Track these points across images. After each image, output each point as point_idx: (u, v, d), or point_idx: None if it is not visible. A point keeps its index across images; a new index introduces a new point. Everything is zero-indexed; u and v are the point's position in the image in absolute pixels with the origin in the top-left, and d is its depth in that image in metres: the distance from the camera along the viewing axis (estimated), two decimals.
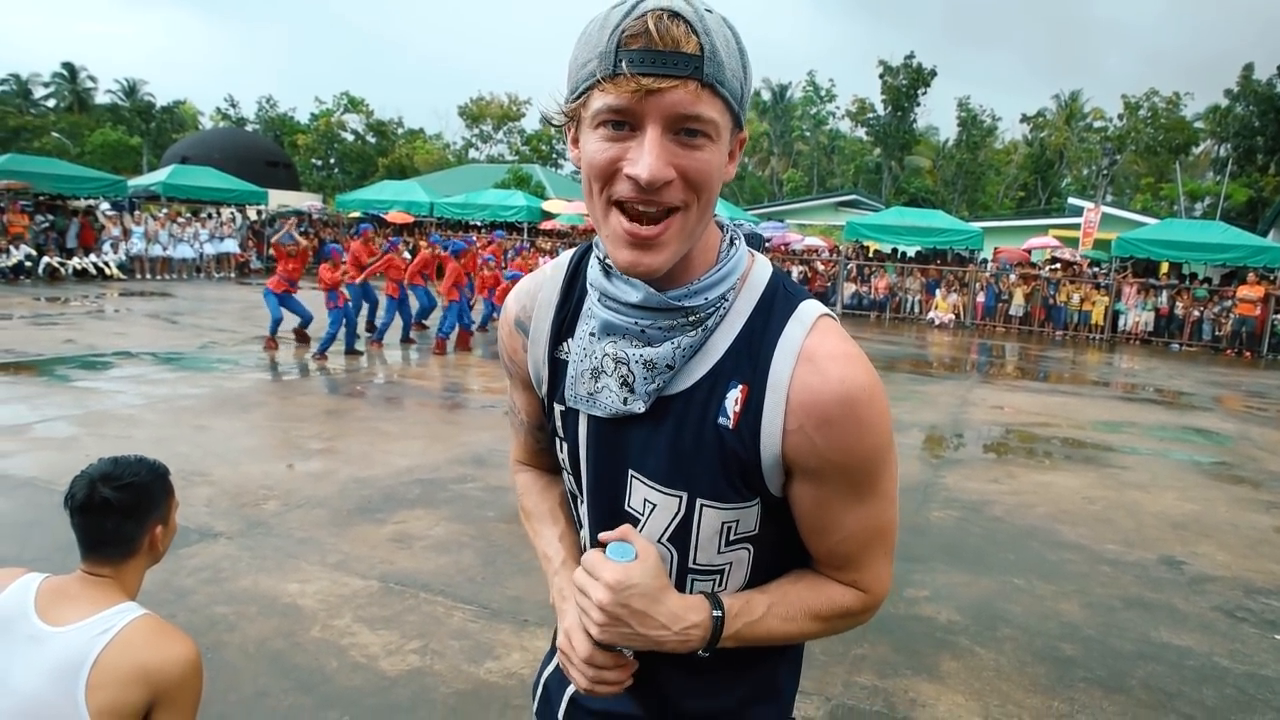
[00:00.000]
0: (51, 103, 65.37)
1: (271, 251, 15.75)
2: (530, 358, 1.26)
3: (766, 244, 25.73)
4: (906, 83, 55.54)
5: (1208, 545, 5.78)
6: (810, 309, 1.11)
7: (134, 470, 1.93)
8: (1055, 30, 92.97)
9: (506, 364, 1.33)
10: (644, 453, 1.13)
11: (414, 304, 13.48)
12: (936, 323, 21.82)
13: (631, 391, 1.11)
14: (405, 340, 12.72)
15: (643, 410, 1.11)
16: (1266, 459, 8.68)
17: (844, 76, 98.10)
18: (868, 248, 25.44)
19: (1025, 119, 58.02)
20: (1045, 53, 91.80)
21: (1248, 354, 19.20)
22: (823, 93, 60.69)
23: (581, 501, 1.25)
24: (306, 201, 34.16)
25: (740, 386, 1.08)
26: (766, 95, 63.10)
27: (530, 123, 64.72)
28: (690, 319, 1.09)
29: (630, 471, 1.15)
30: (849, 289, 23.81)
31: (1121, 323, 20.87)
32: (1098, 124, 56.06)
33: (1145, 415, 10.83)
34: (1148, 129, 53.16)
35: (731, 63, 0.99)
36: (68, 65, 65.16)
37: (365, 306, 13.02)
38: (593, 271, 1.15)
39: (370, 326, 12.89)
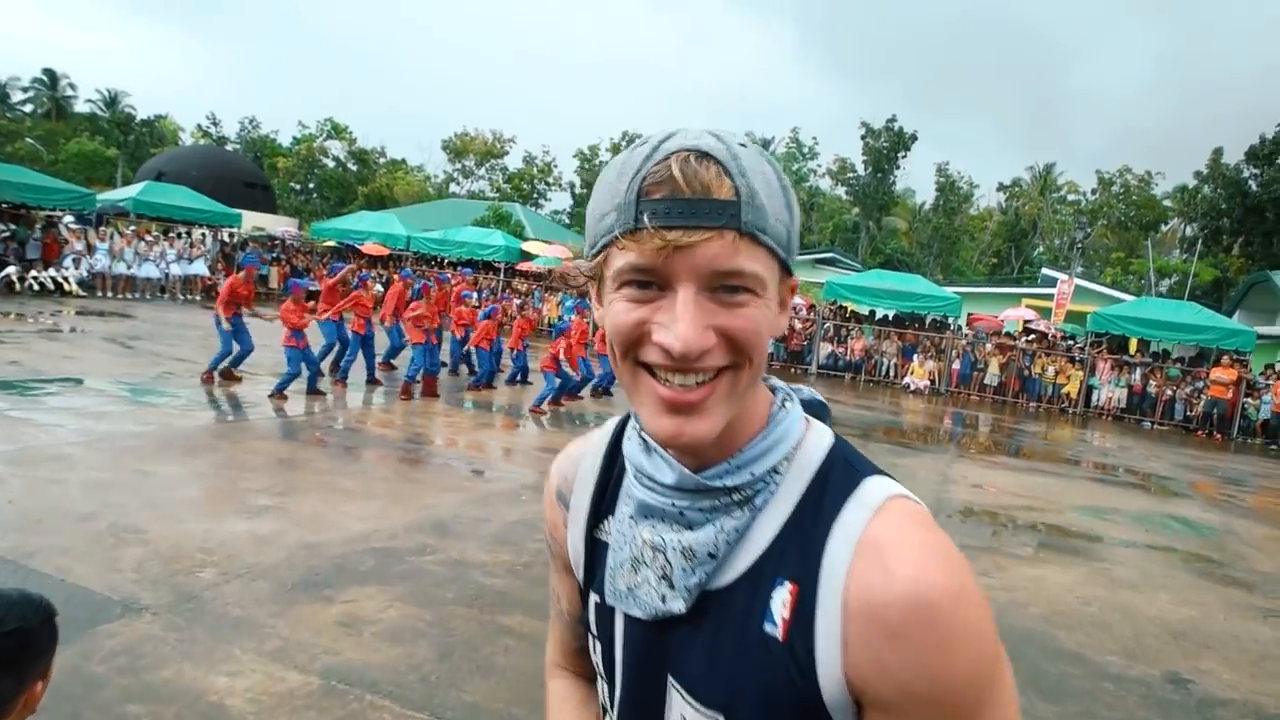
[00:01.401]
0: (29, 108, 64.48)
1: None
2: (569, 536, 1.09)
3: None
4: (888, 145, 56.32)
5: (1211, 660, 5.45)
6: (877, 488, 0.88)
7: (19, 612, 1.51)
8: (1031, 102, 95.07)
9: (548, 541, 1.16)
10: (683, 659, 0.93)
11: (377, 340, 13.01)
12: (912, 388, 21.66)
13: (671, 586, 0.91)
14: (370, 381, 12.21)
15: (683, 610, 0.91)
16: (1254, 557, 8.43)
17: (825, 134, 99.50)
18: (845, 308, 25.35)
19: (1002, 187, 58.95)
20: (1021, 124, 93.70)
21: (1218, 436, 19.20)
22: (805, 150, 61.30)
23: (610, 717, 1.04)
24: (282, 226, 33.65)
25: (789, 585, 0.86)
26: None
27: (513, 160, 64.78)
28: (734, 497, 0.89)
29: (670, 680, 0.94)
30: (825, 349, 23.64)
31: (1095, 397, 20.84)
32: (1071, 197, 57.07)
33: (1127, 501, 10.58)
34: (1119, 205, 54.19)
35: (774, 204, 0.84)
36: (49, 71, 64.44)
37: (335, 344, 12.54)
38: (629, 444, 0.98)
39: (334, 366, 12.41)
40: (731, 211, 0.80)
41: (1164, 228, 54.92)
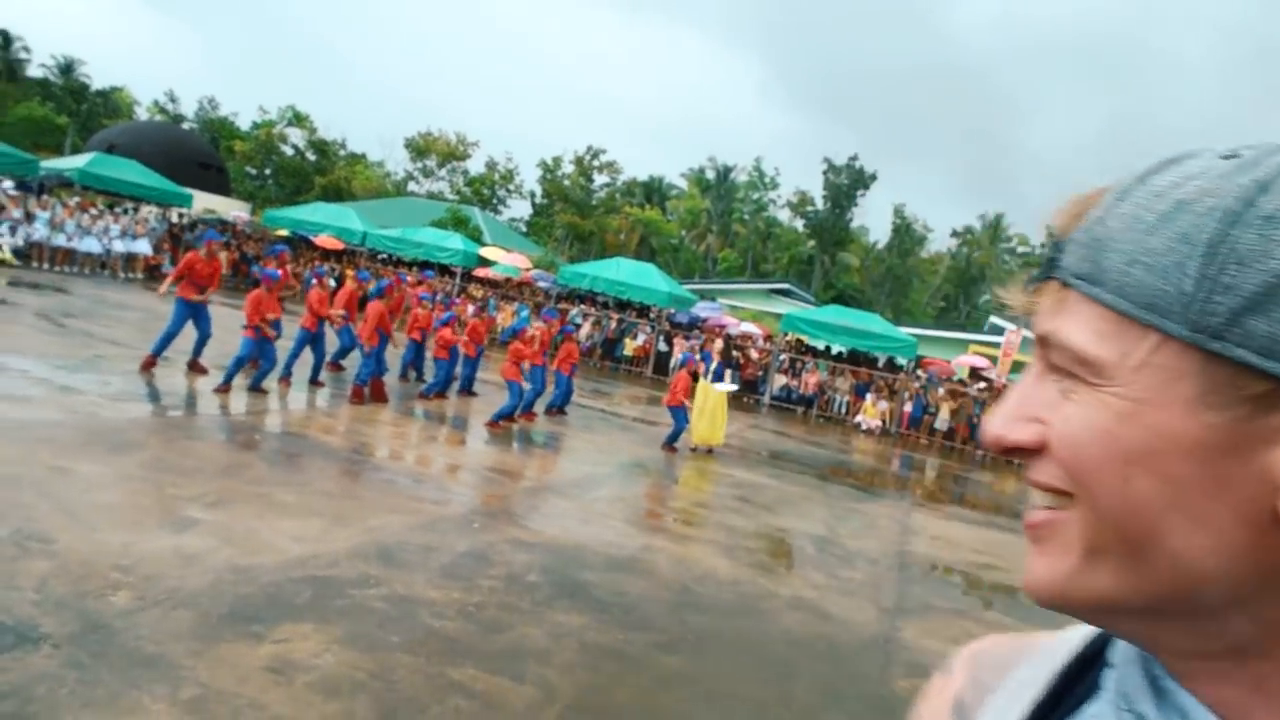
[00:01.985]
0: None
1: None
2: None
3: (700, 323, 25.33)
4: (848, 182, 57.00)
5: None
6: None
7: None
8: (984, 153, 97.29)
9: None
10: None
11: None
12: (864, 427, 21.55)
13: None
14: (314, 381, 11.57)
15: None
16: None
17: (786, 166, 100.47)
18: (801, 340, 25.25)
19: (955, 234, 59.92)
20: (974, 173, 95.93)
21: None
22: (767, 180, 61.66)
23: None
24: (234, 210, 32.62)
25: None
26: (711, 174, 63.91)
27: (475, 165, 64.08)
28: None
29: None
30: (779, 380, 23.47)
31: None
32: (1021, 249, 58.20)
33: None
34: None
35: (1146, 238, 0.49)
36: (2, 32, 62.19)
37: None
38: (1122, 670, 0.58)
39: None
40: (1056, 251, 0.55)
41: None
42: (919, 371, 23.76)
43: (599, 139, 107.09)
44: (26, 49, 62.90)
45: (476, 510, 7.24)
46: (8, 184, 21.95)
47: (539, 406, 12.87)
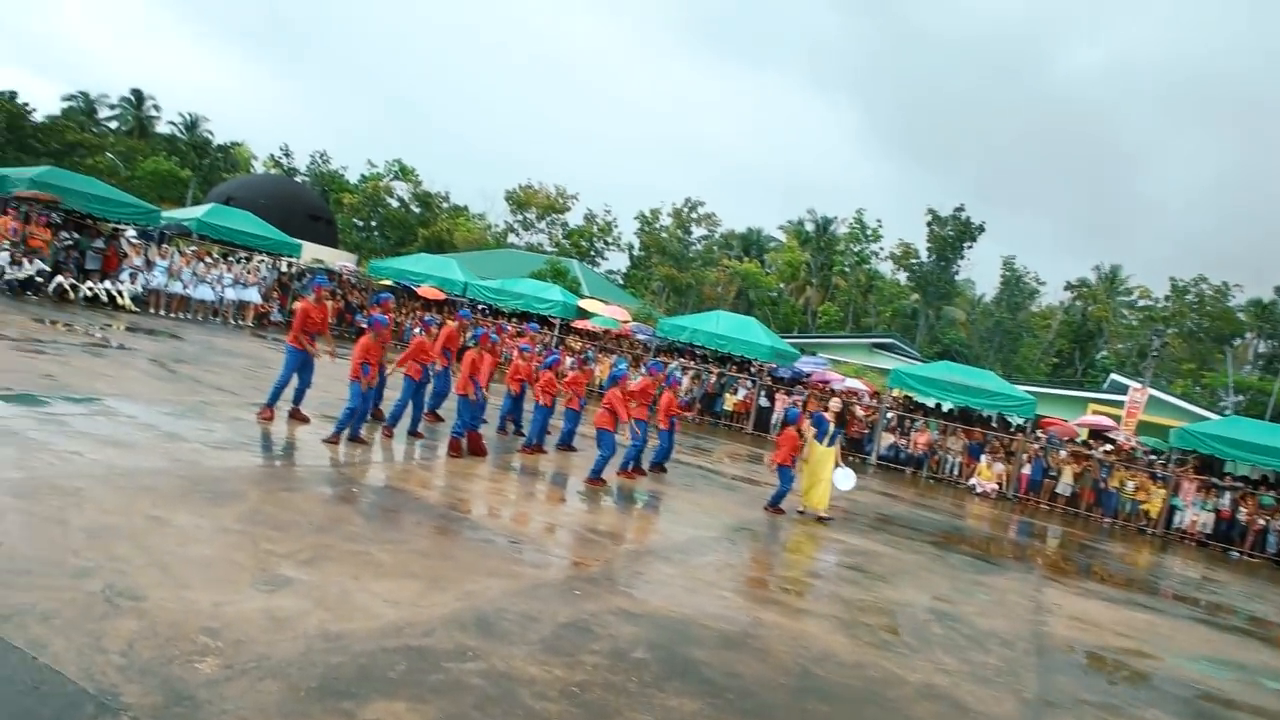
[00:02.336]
0: (114, 125, 66.45)
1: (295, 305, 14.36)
2: None
3: (804, 379, 24.61)
4: (954, 233, 55.46)
5: None
6: None
7: None
8: (1096, 203, 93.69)
9: None
10: None
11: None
12: (978, 490, 20.39)
13: None
14: (413, 433, 11.40)
15: None
16: None
17: (888, 218, 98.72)
18: (909, 398, 24.26)
19: (1069, 286, 57.58)
20: (1084, 223, 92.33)
21: None
22: (869, 231, 60.58)
23: None
24: (340, 261, 33.57)
25: None
26: (810, 226, 63.22)
27: (574, 217, 64.94)
28: None
29: None
30: (886, 439, 22.52)
31: (1177, 519, 19.38)
32: (1142, 302, 55.48)
33: (1246, 653, 9.33)
34: (1192, 314, 52.49)
35: None
36: (136, 91, 66.70)
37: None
38: None
39: (378, 413, 11.65)
40: None
41: (1238, 342, 53.09)
42: (1038, 432, 22.46)
43: (696, 190, 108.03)
44: (157, 107, 67.15)
45: (578, 576, 6.80)
46: (131, 232, 22.97)
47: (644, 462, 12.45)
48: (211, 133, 67.65)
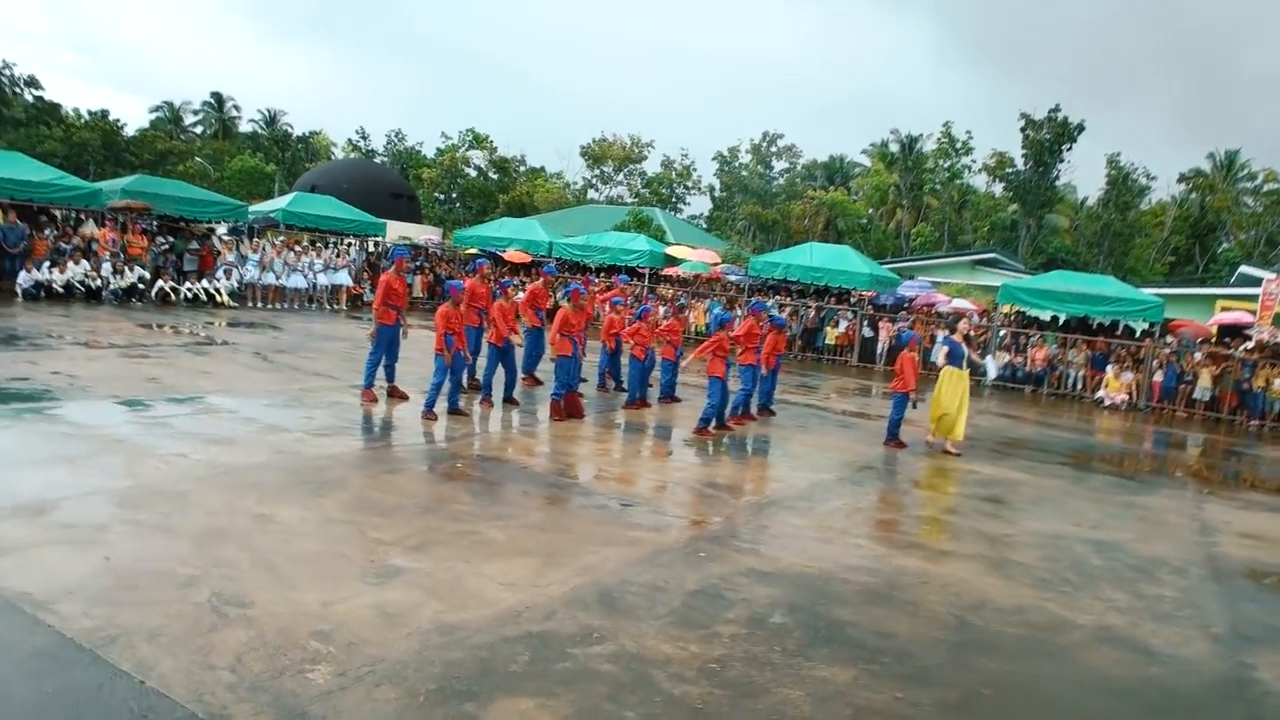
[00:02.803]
0: (199, 129, 68.54)
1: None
2: None
3: (907, 304, 23.58)
4: (1050, 137, 52.42)
5: None
6: None
7: None
8: (1201, 87, 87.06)
9: None
10: None
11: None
12: (1107, 404, 19.19)
13: None
14: (508, 400, 11.11)
15: None
16: None
17: (978, 129, 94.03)
18: (1022, 313, 22.98)
19: (1183, 178, 53.94)
20: (1191, 111, 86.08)
21: None
22: (959, 145, 57.84)
23: None
24: (425, 235, 33.73)
25: None
26: (895, 147, 60.80)
27: (651, 165, 64.01)
28: None
29: None
30: (1002, 358, 21.37)
31: None
32: (1269, 186, 51.57)
33: None
34: None
35: None
36: (216, 95, 68.46)
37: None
38: None
39: (474, 383, 11.43)
40: None
41: None
42: (1167, 337, 20.99)
43: (773, 124, 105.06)
44: (237, 107, 68.84)
45: (700, 535, 6.38)
46: (222, 229, 23.39)
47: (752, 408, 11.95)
48: (291, 125, 69.04)
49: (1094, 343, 20.97)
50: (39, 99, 59.24)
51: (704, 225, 58.86)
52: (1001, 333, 21.70)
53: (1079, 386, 20.54)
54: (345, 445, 8.07)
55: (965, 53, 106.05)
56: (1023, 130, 52.39)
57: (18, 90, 59.74)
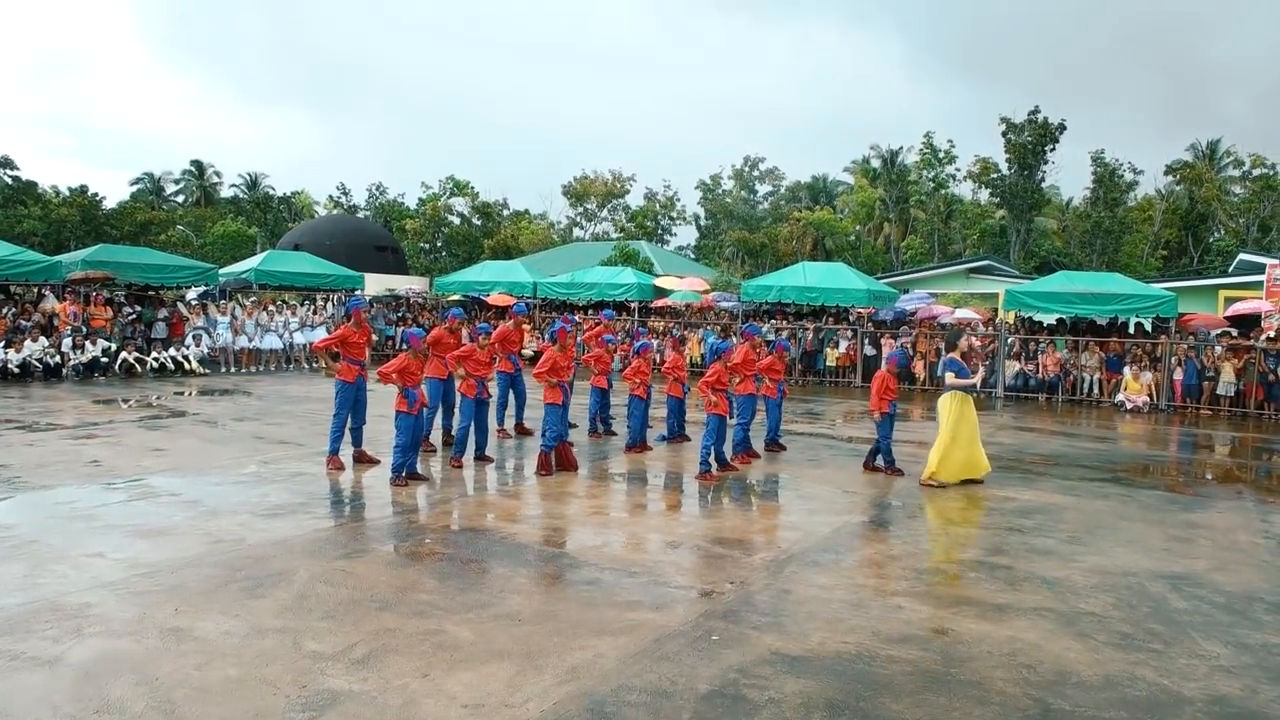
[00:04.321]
0: (181, 198, 67.99)
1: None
2: None
3: (908, 318, 22.67)
4: (1032, 139, 51.90)
5: None
6: None
7: None
8: (1172, 78, 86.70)
9: None
10: None
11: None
12: (1128, 406, 18.19)
13: None
14: (480, 457, 10.01)
15: None
16: None
17: (960, 139, 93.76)
18: (1028, 319, 22.06)
19: (1170, 170, 53.39)
20: (1166, 102, 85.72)
21: None
22: (941, 154, 57.32)
23: None
24: (406, 285, 32.83)
25: None
26: (877, 162, 60.32)
27: (635, 199, 63.43)
28: None
29: None
30: (1011, 367, 20.40)
31: None
32: (1257, 171, 51.01)
33: None
34: None
35: None
36: (196, 163, 68.04)
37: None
38: None
39: (447, 438, 10.42)
40: None
41: None
42: (1181, 332, 20.06)
43: (752, 148, 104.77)
44: (218, 174, 68.38)
45: (711, 611, 5.34)
46: (191, 294, 22.47)
47: (756, 444, 10.94)
48: (272, 187, 68.53)
49: (1107, 344, 20.02)
50: (15, 179, 58.55)
51: (691, 255, 58.13)
52: (1010, 340, 20.74)
53: (1095, 390, 19.55)
54: (297, 526, 7.02)
55: (935, 64, 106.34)
56: (1004, 134, 51.89)
57: None
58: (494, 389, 11.14)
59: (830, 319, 23.52)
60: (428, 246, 62.76)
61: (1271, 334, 19.09)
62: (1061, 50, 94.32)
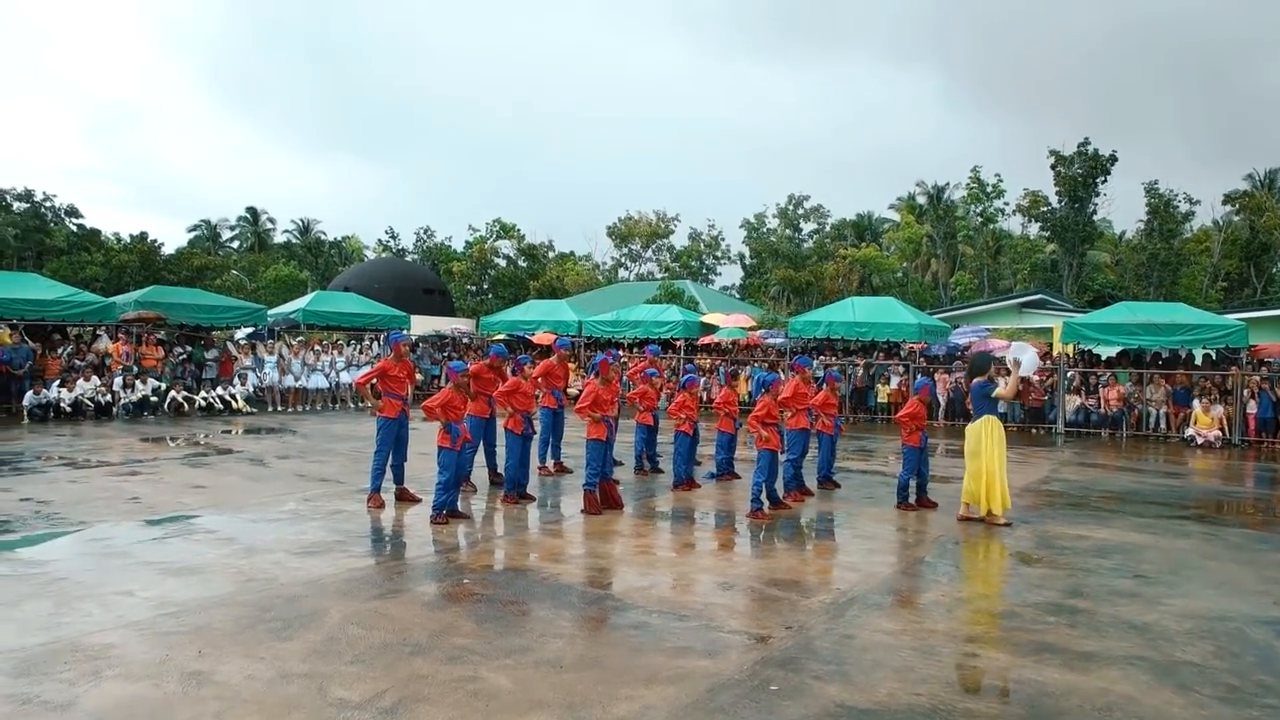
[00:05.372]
0: (235, 244, 69.61)
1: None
2: None
3: (961, 353, 22.04)
4: (1082, 171, 50.96)
5: None
6: None
7: None
8: (1226, 104, 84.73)
9: None
10: None
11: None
12: (1199, 441, 17.36)
13: None
14: (522, 495, 9.63)
15: None
16: None
17: (1007, 173, 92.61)
18: (1088, 352, 21.31)
19: (1229, 199, 52.07)
20: (1221, 130, 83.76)
21: None
22: (989, 189, 56.54)
23: None
24: (452, 325, 32.93)
25: None
26: (923, 199, 59.69)
27: (679, 239, 63.44)
28: None
29: None
30: (1072, 402, 19.67)
31: None
32: None
33: None
34: None
35: None
36: (251, 210, 69.75)
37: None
38: None
39: (496, 477, 10.15)
40: None
41: None
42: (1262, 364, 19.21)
43: (800, 187, 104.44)
44: (271, 220, 69.98)
45: (768, 658, 4.93)
46: (240, 334, 22.67)
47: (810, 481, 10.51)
48: (324, 232, 69.90)
49: (1174, 376, 19.22)
50: (80, 226, 60.40)
51: (736, 294, 57.78)
52: (1070, 374, 20.01)
53: (1162, 425, 18.74)
54: (333, 565, 6.75)
55: (974, 98, 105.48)
56: (1053, 167, 51.01)
57: (59, 220, 61.06)
58: (538, 425, 10.88)
59: (881, 354, 22.97)
60: (474, 289, 63.26)
61: None
62: (1107, 81, 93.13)
